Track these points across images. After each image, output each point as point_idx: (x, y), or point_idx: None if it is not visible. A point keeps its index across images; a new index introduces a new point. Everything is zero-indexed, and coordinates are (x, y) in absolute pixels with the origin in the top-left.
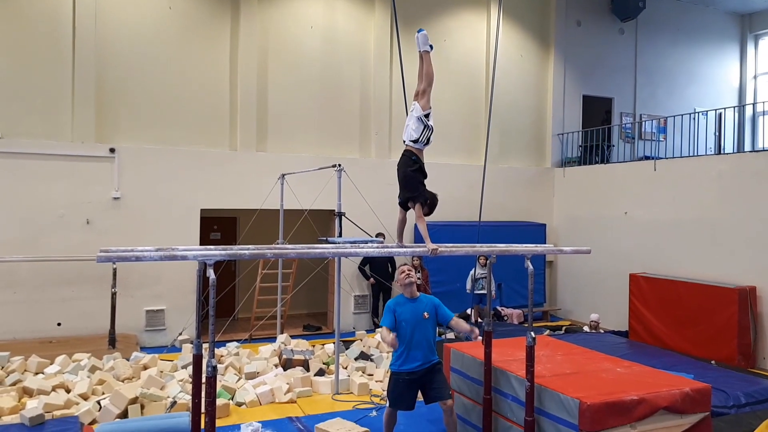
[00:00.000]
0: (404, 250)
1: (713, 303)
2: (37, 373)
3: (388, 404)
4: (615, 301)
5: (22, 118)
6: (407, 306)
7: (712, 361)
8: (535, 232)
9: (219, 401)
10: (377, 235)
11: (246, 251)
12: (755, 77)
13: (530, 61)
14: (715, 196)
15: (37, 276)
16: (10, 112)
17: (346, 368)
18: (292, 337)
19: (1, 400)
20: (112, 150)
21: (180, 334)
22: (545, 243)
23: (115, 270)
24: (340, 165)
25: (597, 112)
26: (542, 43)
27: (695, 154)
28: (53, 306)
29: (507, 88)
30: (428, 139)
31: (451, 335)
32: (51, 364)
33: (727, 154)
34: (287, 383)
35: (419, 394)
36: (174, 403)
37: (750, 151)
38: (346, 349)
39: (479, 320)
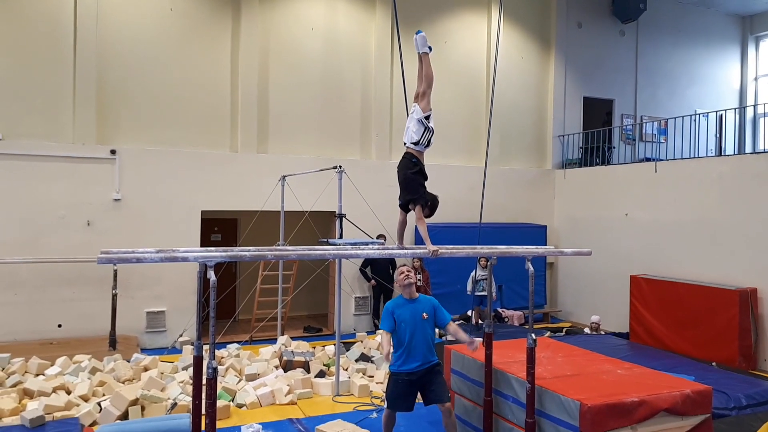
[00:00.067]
0: (405, 251)
1: (714, 305)
2: (37, 375)
3: (386, 406)
4: (616, 303)
5: (23, 119)
6: (406, 307)
7: (713, 363)
8: (536, 233)
9: (219, 403)
10: (378, 237)
11: (246, 253)
12: (756, 79)
13: (531, 63)
14: (715, 198)
15: (38, 277)
16: (10, 113)
17: (346, 370)
18: (293, 338)
19: (1, 402)
20: (113, 151)
21: (180, 335)
22: (546, 244)
23: (115, 271)
24: (340, 166)
25: (598, 113)
26: (543, 45)
27: (696, 155)
28: (54, 307)
29: (508, 89)
30: (429, 141)
31: (451, 336)
32: (51, 365)
33: (728, 155)
34: (288, 385)
35: (419, 395)
36: (174, 404)
37: (751, 153)
38: (347, 350)
39: (480, 322)
